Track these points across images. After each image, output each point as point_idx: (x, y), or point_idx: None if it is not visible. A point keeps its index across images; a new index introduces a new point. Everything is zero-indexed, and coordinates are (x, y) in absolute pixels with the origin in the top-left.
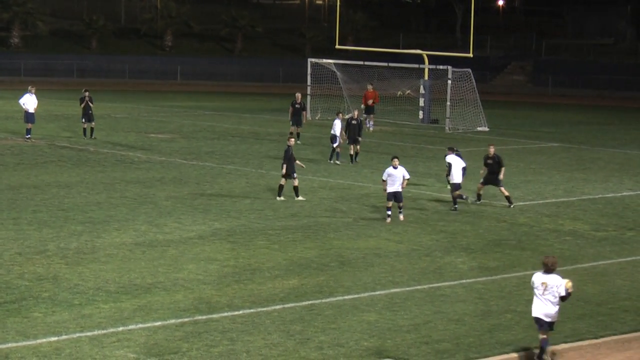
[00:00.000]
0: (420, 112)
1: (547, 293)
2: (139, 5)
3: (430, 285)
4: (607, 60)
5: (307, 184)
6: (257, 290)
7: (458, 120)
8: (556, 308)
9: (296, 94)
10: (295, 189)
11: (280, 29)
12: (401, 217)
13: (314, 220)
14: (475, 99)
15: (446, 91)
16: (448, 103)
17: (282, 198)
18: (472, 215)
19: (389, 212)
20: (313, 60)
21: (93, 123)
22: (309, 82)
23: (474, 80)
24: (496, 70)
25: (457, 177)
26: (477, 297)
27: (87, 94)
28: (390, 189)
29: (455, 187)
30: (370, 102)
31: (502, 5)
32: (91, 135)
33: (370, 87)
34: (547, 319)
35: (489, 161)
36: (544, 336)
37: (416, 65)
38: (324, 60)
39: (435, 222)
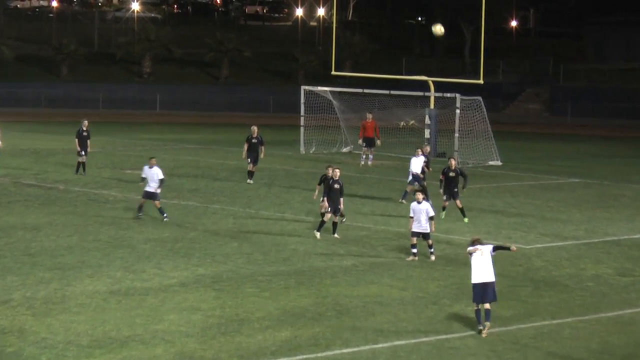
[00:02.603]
0: (426, 145)
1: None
2: (114, 28)
3: (438, 337)
4: (631, 86)
5: (300, 225)
6: (246, 343)
7: (467, 153)
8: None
9: (252, 127)
10: (334, 225)
11: (271, 54)
12: (432, 257)
13: (309, 264)
14: (487, 129)
15: (454, 121)
16: (456, 134)
17: (318, 234)
18: None
19: (414, 250)
20: (307, 87)
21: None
22: (302, 112)
23: (484, 109)
24: (509, 98)
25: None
26: (489, 350)
27: (86, 123)
28: (415, 227)
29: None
30: (370, 133)
31: (515, 27)
32: (84, 170)
33: (369, 116)
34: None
35: (451, 174)
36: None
37: (421, 93)
38: (319, 88)
39: (443, 266)
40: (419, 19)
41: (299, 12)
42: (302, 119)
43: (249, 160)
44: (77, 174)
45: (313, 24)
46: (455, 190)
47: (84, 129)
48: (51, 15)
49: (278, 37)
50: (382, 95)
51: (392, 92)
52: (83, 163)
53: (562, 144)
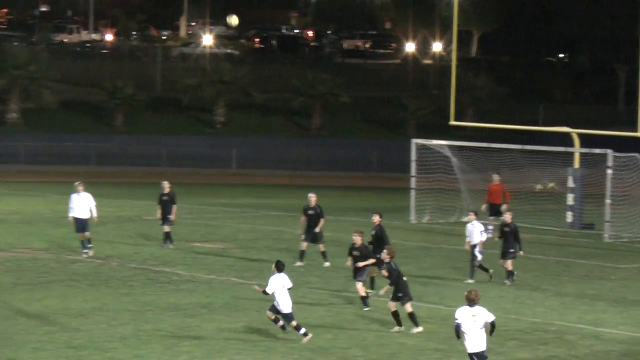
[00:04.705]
0: (569, 214)
1: (477, 325)
2: (181, 67)
3: None
4: None
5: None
6: None
7: (622, 225)
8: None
9: (309, 196)
10: (411, 315)
11: (374, 99)
12: None
13: None
14: None
15: (605, 184)
16: (608, 201)
17: (398, 328)
18: None
19: None
20: (419, 141)
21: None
22: (413, 172)
23: None
24: None
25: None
26: None
27: (168, 186)
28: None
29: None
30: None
31: None
32: (170, 241)
33: (496, 178)
34: (484, 350)
35: (506, 229)
36: None
37: (563, 149)
38: (434, 142)
39: None
40: (560, 56)
41: (410, 47)
42: (412, 180)
43: (304, 237)
44: (164, 245)
45: (427, 61)
46: (511, 250)
47: (165, 192)
48: (104, 52)
49: (383, 79)
50: (514, 150)
51: (526, 147)
52: (167, 233)
53: None
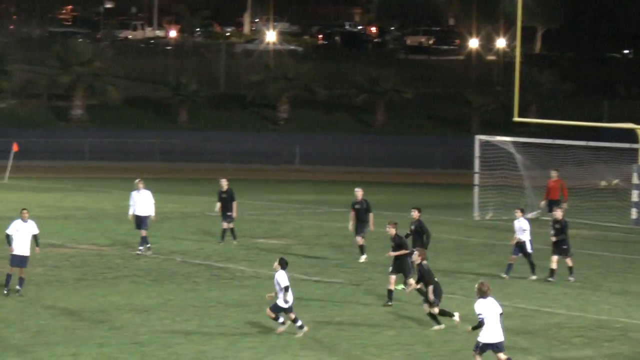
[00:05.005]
0: (634, 210)
1: (494, 316)
2: (244, 64)
3: None
4: None
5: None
6: None
7: None
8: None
9: (356, 190)
10: (432, 315)
11: (437, 95)
12: None
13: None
14: None
15: None
16: None
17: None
18: None
19: None
20: (483, 137)
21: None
22: (476, 168)
23: None
24: None
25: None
26: None
27: (226, 183)
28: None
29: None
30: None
31: None
32: (233, 237)
33: (554, 174)
34: (503, 341)
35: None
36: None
37: (627, 145)
38: (498, 138)
39: None
40: (625, 52)
41: (474, 43)
42: (476, 176)
43: (355, 232)
44: (221, 242)
45: (491, 58)
46: (564, 247)
47: (223, 189)
48: (168, 48)
49: (447, 75)
50: (578, 147)
51: (590, 143)
52: (225, 230)
53: None
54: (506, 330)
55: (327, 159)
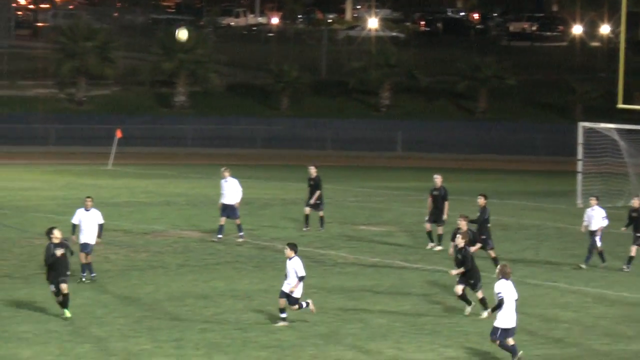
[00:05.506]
0: None
1: (512, 300)
2: (346, 51)
3: None
4: None
5: (577, 297)
6: None
7: None
8: None
9: (435, 177)
10: (482, 301)
11: (540, 82)
12: None
13: (586, 347)
14: None
15: None
16: None
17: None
18: None
19: None
20: (586, 124)
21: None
22: (580, 155)
23: None
24: None
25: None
26: None
27: (314, 170)
28: None
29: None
30: None
31: None
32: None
33: None
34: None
35: (634, 214)
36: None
37: None
38: (602, 125)
39: None
40: None
41: (577, 30)
42: (579, 163)
43: (427, 218)
44: (305, 229)
45: (595, 44)
46: (638, 235)
47: (312, 176)
48: (270, 35)
49: (550, 61)
50: None
51: None
52: (310, 216)
53: None
54: (608, 318)
55: (428, 145)
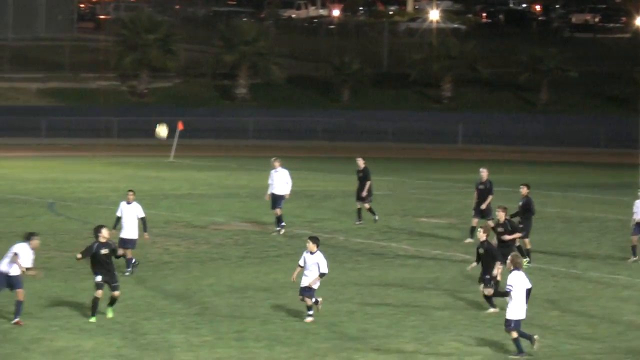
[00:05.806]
0: None
1: (523, 291)
2: (407, 43)
3: None
4: None
5: (638, 291)
6: None
7: None
8: None
9: (481, 170)
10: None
11: (603, 74)
12: None
13: None
14: None
15: None
16: None
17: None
18: None
19: None
20: None
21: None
22: None
23: None
24: None
25: None
26: None
27: (362, 162)
28: None
29: None
30: None
31: None
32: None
33: None
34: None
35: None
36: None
37: None
38: None
39: None
40: None
41: None
42: None
43: (474, 213)
44: (358, 222)
45: None
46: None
47: (360, 168)
48: (331, 27)
49: (613, 53)
50: None
51: None
52: (360, 209)
53: None
54: None
55: (490, 138)
